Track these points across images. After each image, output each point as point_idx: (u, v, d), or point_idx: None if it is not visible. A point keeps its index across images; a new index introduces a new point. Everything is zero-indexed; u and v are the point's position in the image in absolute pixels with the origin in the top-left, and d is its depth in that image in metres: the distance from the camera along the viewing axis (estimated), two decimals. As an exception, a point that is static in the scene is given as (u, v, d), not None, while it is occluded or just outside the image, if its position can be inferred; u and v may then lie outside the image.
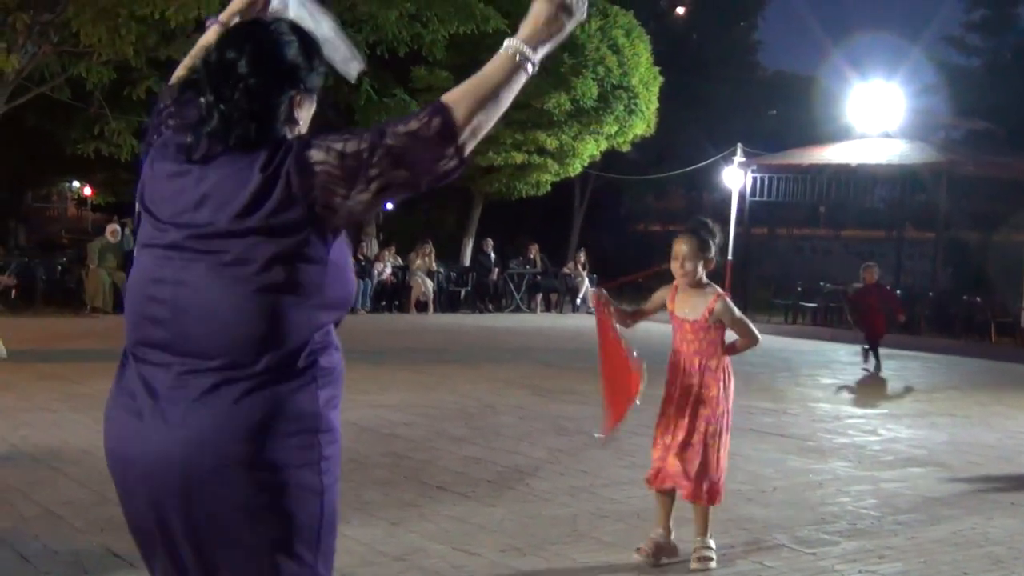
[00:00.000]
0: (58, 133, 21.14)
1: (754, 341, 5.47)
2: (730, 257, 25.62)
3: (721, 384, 5.41)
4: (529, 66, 2.38)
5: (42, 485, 6.34)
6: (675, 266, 5.45)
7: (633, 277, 31.56)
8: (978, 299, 22.03)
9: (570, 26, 2.42)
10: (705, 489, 5.33)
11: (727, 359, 5.46)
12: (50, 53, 17.23)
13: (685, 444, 5.37)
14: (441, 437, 8.41)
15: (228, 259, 2.26)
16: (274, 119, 2.36)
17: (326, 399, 2.42)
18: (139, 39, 16.62)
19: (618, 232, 35.13)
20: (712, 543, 5.38)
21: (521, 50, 2.37)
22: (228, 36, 2.45)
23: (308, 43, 2.49)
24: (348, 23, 19.44)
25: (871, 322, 14.78)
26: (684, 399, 5.43)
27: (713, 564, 5.30)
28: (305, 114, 2.48)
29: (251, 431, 2.26)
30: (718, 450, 5.39)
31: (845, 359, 16.78)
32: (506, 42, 2.37)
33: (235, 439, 2.26)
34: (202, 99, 2.36)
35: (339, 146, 2.25)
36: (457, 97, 2.30)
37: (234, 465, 2.26)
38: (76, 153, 20.30)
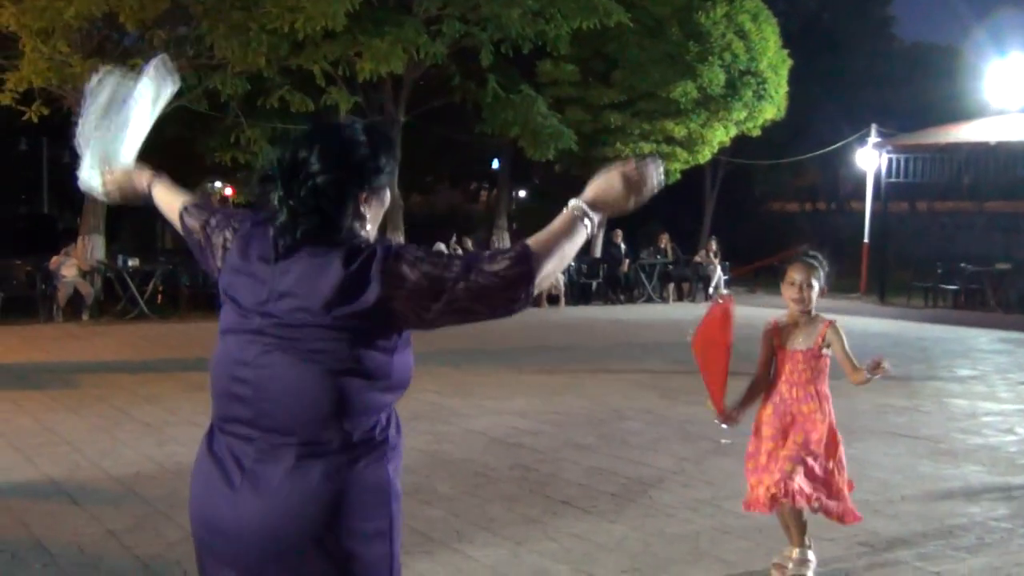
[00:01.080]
0: (197, 142, 21.91)
1: (852, 379, 5.44)
2: (866, 239, 25.16)
3: (827, 408, 5.48)
4: (588, 224, 2.59)
5: (184, 507, 6.63)
6: (792, 292, 5.49)
7: (768, 260, 31.22)
8: None
9: (632, 206, 2.65)
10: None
11: (826, 387, 5.50)
12: (186, 67, 17.87)
13: (804, 465, 5.42)
14: (567, 446, 8.54)
15: (307, 347, 2.48)
16: (341, 215, 2.56)
17: (394, 470, 2.64)
18: (271, 50, 17.15)
19: (751, 216, 34.75)
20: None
21: (582, 210, 2.59)
22: (302, 136, 2.64)
23: (377, 143, 2.65)
24: (473, 22, 19.71)
25: None
26: (796, 427, 5.49)
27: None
28: (373, 211, 2.67)
29: (336, 504, 2.49)
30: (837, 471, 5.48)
31: (986, 347, 16.37)
32: (571, 201, 2.59)
33: (322, 511, 2.48)
34: (274, 195, 2.58)
35: (428, 268, 2.46)
36: (538, 247, 2.50)
37: (321, 535, 2.49)
38: (215, 161, 21.04)
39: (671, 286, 24.36)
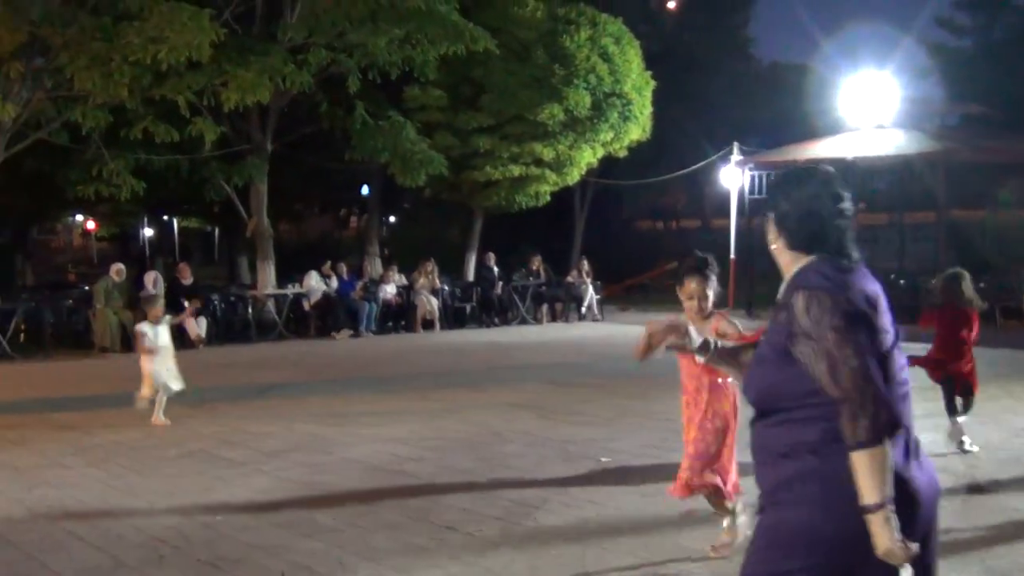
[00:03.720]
0: (58, 176, 21.31)
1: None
2: (732, 255, 25.69)
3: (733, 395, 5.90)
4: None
5: (57, 551, 6.44)
6: (691, 305, 5.74)
7: (639, 279, 31.72)
8: (982, 284, 22.03)
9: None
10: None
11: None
12: (45, 99, 17.40)
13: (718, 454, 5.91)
14: (449, 471, 8.50)
15: None
16: None
17: None
18: (133, 81, 16.79)
19: (620, 236, 35.26)
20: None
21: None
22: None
23: None
24: (339, 49, 19.63)
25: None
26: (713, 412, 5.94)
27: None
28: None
29: None
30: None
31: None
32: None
33: None
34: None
35: None
36: None
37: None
38: (77, 195, 20.50)
39: (544, 307, 24.51)
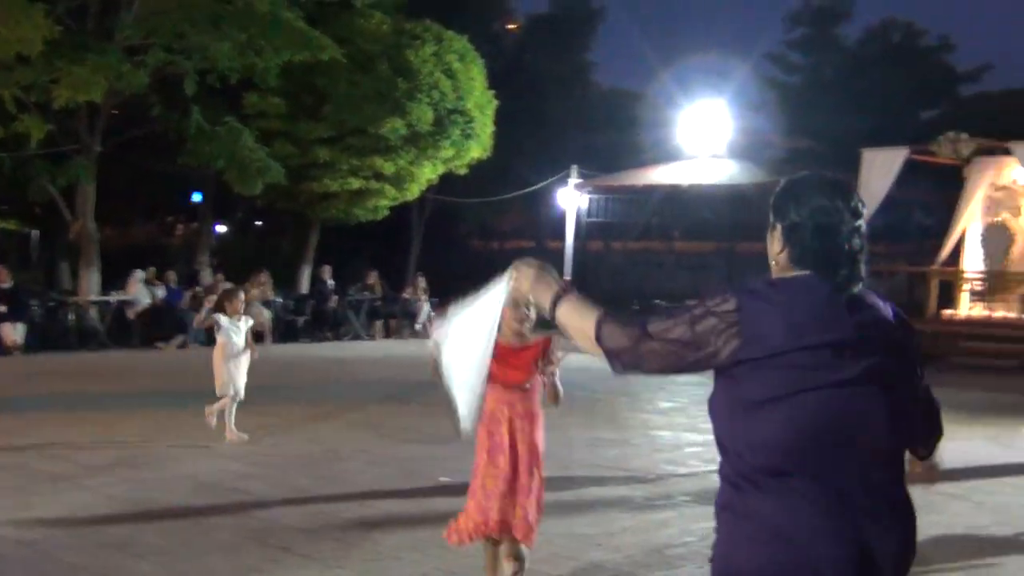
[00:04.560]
0: None
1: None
2: (567, 277, 25.94)
3: (541, 426, 5.47)
4: None
5: None
6: (518, 313, 5.36)
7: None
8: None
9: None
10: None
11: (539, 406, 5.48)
12: None
13: (522, 488, 5.35)
14: (284, 489, 8.22)
15: None
16: None
17: None
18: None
19: (457, 254, 35.16)
20: None
21: None
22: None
23: None
24: (177, 51, 19.04)
25: None
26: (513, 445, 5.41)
27: None
28: None
29: None
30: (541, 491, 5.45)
31: (681, 380, 17.08)
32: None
33: None
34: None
35: None
36: None
37: None
38: None
39: (379, 323, 24.24)
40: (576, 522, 7.29)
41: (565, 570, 6.15)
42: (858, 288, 2.69)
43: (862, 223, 2.73)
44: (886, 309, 2.72)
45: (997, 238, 21.01)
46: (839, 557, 2.50)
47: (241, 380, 10.26)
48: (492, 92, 25.02)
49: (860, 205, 2.75)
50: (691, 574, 6.24)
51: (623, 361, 2.77)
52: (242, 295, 10.94)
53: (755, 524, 2.57)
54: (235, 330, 10.34)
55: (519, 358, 5.38)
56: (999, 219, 21.01)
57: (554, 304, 2.93)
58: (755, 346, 2.57)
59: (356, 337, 23.38)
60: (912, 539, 2.65)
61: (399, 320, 24.52)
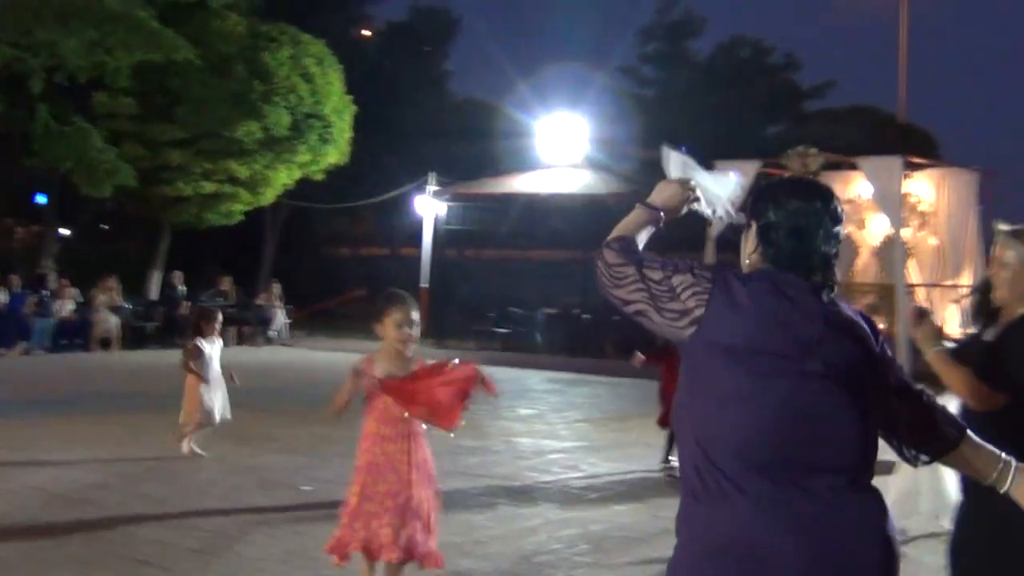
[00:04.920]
0: None
1: None
2: (424, 284, 25.86)
3: (423, 443, 5.42)
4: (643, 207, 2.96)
5: None
6: (402, 334, 5.35)
7: (328, 304, 31.33)
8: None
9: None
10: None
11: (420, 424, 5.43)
12: None
13: (404, 507, 5.27)
14: (139, 500, 7.95)
15: None
16: None
17: None
18: None
19: (311, 260, 34.73)
20: None
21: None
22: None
23: None
24: (23, 48, 18.34)
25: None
26: (399, 462, 5.35)
27: None
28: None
29: None
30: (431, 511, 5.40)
31: (539, 387, 17.24)
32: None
33: None
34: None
35: None
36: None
37: None
38: None
39: (231, 329, 23.73)
40: (442, 531, 7.20)
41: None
42: (831, 292, 2.66)
43: (841, 228, 2.72)
44: (856, 316, 2.68)
45: (843, 250, 21.62)
46: (799, 566, 2.41)
47: (217, 407, 9.91)
48: (350, 97, 24.81)
49: (840, 210, 2.74)
50: (599, 559, 6.24)
51: (606, 262, 2.73)
52: (219, 316, 10.46)
53: (709, 537, 2.50)
54: (214, 354, 10.01)
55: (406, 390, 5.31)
56: (845, 232, 21.65)
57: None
58: (717, 329, 2.53)
59: (208, 344, 22.80)
60: (890, 549, 2.53)
61: (253, 327, 24.08)
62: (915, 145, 28.70)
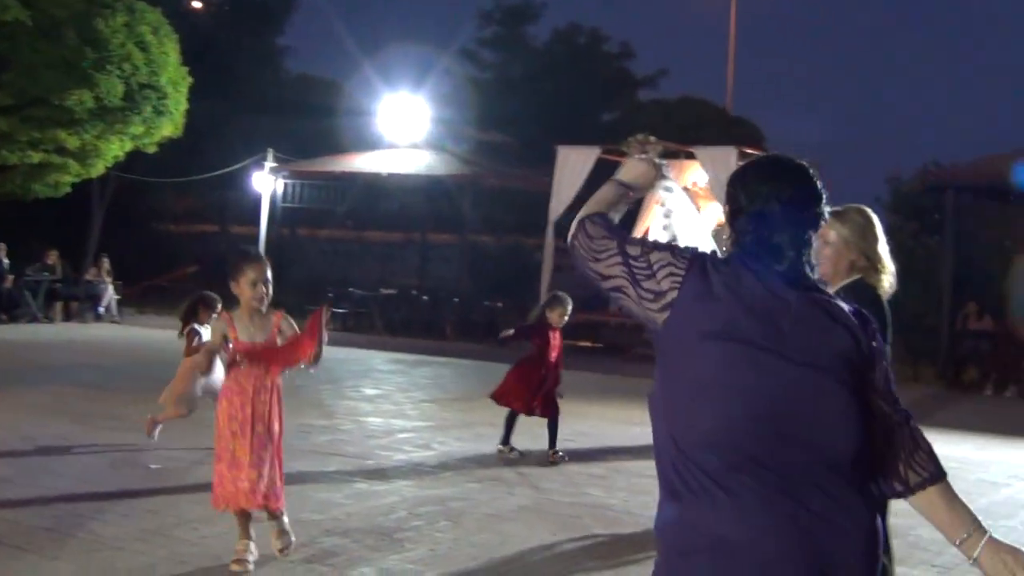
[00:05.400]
0: None
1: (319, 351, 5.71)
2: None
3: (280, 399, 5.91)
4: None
5: None
6: (257, 292, 5.64)
7: (159, 280, 30.52)
8: (499, 304, 23.37)
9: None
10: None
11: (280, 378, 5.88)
12: None
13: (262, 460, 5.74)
14: (-18, 480, 7.67)
15: None
16: None
17: None
18: None
19: (141, 235, 33.75)
20: None
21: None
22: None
23: None
24: None
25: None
26: (258, 418, 5.75)
27: None
28: None
29: None
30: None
31: (383, 367, 17.22)
32: None
33: None
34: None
35: None
36: None
37: None
38: None
39: (59, 305, 22.93)
40: (301, 508, 7.18)
41: (298, 557, 6.06)
42: (810, 278, 2.54)
43: (823, 209, 2.59)
44: (844, 306, 2.53)
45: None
46: (781, 565, 2.33)
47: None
48: (187, 69, 24.15)
49: (822, 190, 2.60)
50: (422, 556, 6.29)
51: (587, 234, 2.69)
52: (219, 305, 9.35)
53: (688, 537, 2.41)
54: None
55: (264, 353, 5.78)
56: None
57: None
58: (690, 315, 2.46)
59: (33, 320, 22.01)
60: (874, 552, 2.43)
61: (81, 303, 23.30)
62: (742, 136, 29.66)
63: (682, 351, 2.46)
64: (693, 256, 2.53)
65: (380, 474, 8.69)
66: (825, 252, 4.16)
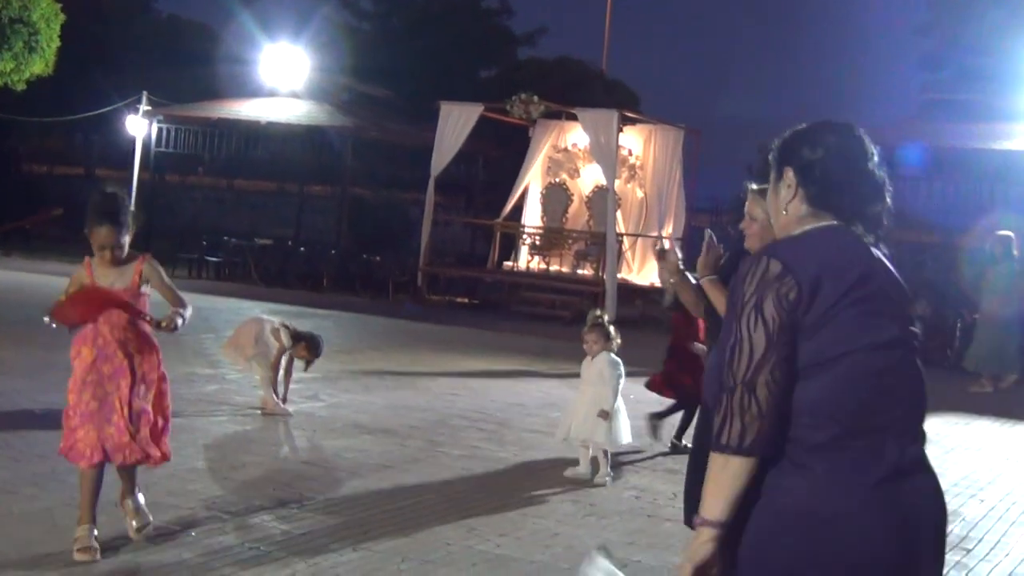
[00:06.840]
0: None
1: (184, 306, 5.35)
2: (133, 208, 24.87)
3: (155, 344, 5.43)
4: None
5: None
6: (103, 256, 5.27)
7: (21, 223, 29.55)
8: (377, 258, 23.30)
9: None
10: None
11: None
12: None
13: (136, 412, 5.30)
14: None
15: None
16: None
17: None
18: None
19: (5, 175, 32.64)
20: None
21: None
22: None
23: None
24: None
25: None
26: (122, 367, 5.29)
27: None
28: None
29: None
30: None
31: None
32: None
33: None
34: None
35: None
36: None
37: None
38: None
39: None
40: (196, 458, 7.17)
41: (197, 504, 6.06)
42: (879, 233, 2.56)
43: (877, 164, 2.57)
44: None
45: (557, 197, 22.55)
46: (888, 530, 2.36)
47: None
48: (59, 5, 23.34)
49: (873, 147, 2.59)
50: (319, 505, 6.34)
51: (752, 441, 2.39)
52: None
53: (783, 505, 2.40)
54: None
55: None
56: (559, 180, 22.54)
57: None
58: (812, 298, 2.39)
59: None
60: (944, 503, 2.51)
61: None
62: (619, 100, 29.96)
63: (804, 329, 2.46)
64: (780, 261, 2.45)
65: (272, 424, 8.70)
66: (752, 228, 4.31)
